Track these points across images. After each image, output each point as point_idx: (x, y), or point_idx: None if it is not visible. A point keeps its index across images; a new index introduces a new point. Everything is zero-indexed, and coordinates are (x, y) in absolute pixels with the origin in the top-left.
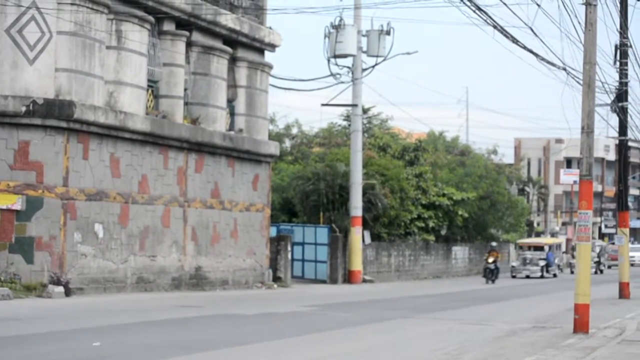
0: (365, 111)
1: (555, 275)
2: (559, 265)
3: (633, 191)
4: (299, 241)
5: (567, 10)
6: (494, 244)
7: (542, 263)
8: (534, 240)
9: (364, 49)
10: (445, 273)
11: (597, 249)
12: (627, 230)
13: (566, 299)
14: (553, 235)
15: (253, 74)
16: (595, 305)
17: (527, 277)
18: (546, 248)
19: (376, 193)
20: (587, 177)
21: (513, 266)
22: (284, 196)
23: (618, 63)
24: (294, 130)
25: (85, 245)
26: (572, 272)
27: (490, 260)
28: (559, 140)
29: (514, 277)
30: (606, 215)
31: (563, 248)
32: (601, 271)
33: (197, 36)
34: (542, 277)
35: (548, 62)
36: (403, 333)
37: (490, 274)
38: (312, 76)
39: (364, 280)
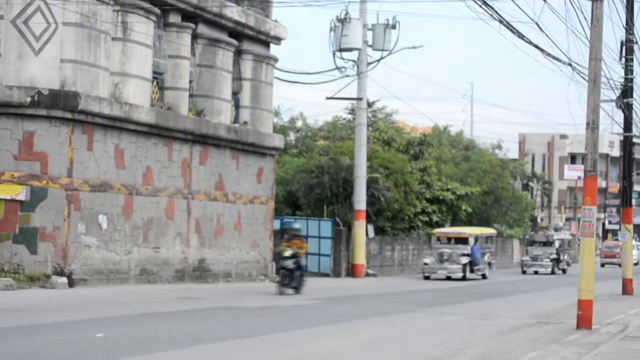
0: (370, 105)
1: (484, 277)
2: (568, 263)
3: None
4: (302, 234)
5: (573, 6)
6: (296, 225)
7: (465, 260)
8: (454, 230)
9: (370, 42)
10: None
11: (557, 244)
12: (631, 227)
13: (570, 295)
14: (557, 230)
15: (258, 66)
16: (598, 301)
17: (449, 277)
18: (471, 240)
19: (380, 187)
20: (591, 172)
21: (425, 263)
22: (288, 189)
23: (624, 59)
24: (299, 124)
25: (89, 236)
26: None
27: (288, 253)
28: (563, 136)
29: (426, 277)
30: (610, 211)
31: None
32: (563, 271)
33: (202, 28)
34: (464, 278)
35: (554, 58)
36: (407, 327)
37: (288, 279)
38: (317, 69)
39: (367, 274)
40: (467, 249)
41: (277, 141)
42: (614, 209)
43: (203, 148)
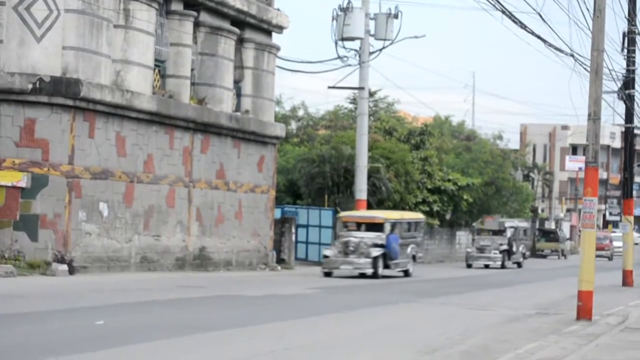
0: (371, 94)
1: (406, 273)
2: (524, 254)
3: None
4: (303, 223)
5: None
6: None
7: (377, 252)
8: (364, 213)
9: (372, 32)
10: (449, 258)
11: (509, 233)
12: (631, 218)
13: (570, 286)
14: (557, 222)
15: (260, 55)
16: (598, 292)
17: (362, 274)
18: (387, 227)
19: (381, 177)
20: (592, 164)
21: (325, 256)
22: (289, 178)
23: (626, 50)
24: (300, 113)
25: (90, 223)
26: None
27: None
28: (564, 127)
29: (327, 274)
30: (611, 202)
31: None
32: (518, 264)
33: (204, 16)
34: (374, 275)
35: (556, 49)
36: (406, 317)
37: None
38: (319, 59)
39: None
40: (380, 238)
41: (279, 130)
42: (615, 201)
43: (204, 136)
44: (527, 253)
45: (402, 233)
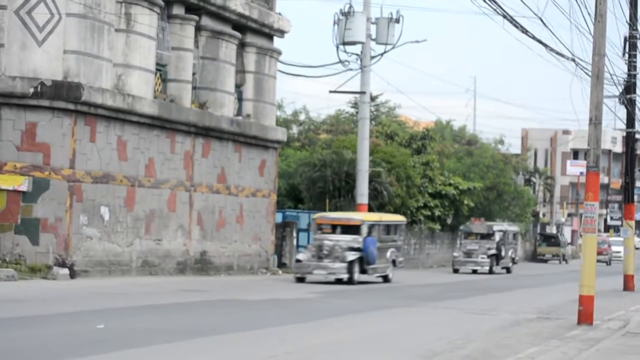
0: (373, 99)
1: (386, 279)
2: (513, 259)
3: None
4: (304, 228)
5: (577, 1)
6: None
7: (352, 256)
8: (340, 215)
9: (373, 36)
10: (451, 262)
11: (497, 236)
12: (632, 223)
13: (571, 291)
14: (558, 227)
15: (262, 59)
16: (599, 297)
17: (339, 280)
18: (364, 229)
19: (382, 181)
20: (593, 168)
21: (298, 260)
22: (290, 182)
23: (627, 55)
24: (302, 117)
25: (91, 227)
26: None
27: None
28: (566, 132)
29: (299, 279)
30: (612, 207)
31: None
32: (507, 270)
33: (206, 21)
34: (350, 280)
35: (557, 53)
36: (407, 321)
37: None
38: (320, 63)
39: None
40: (357, 241)
41: (280, 134)
42: (616, 205)
43: (205, 140)
44: (517, 258)
45: (381, 236)
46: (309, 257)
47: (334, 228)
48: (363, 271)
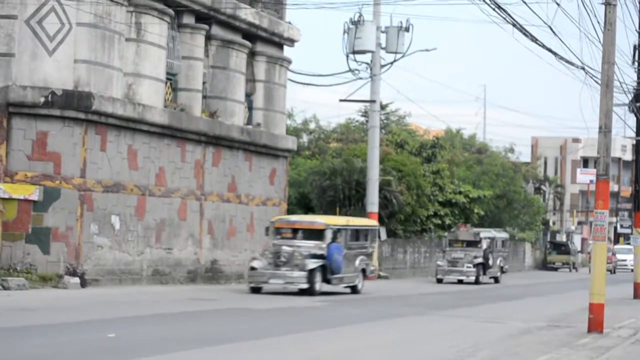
0: (383, 107)
1: (354, 290)
2: (502, 268)
3: None
4: None
5: (586, 10)
6: None
7: (314, 264)
8: (302, 218)
9: (383, 45)
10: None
11: (484, 244)
12: None
13: (581, 299)
14: (568, 235)
15: (272, 68)
16: (609, 305)
17: (302, 290)
18: (328, 235)
19: (392, 190)
20: (603, 176)
21: (253, 268)
22: (300, 191)
23: (636, 63)
24: (312, 126)
25: (102, 236)
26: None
27: None
28: (576, 140)
29: (254, 289)
30: (622, 215)
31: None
32: (495, 279)
33: (216, 30)
34: (310, 291)
35: (567, 62)
36: (417, 330)
37: None
38: (330, 72)
39: (379, 277)
40: (320, 248)
41: (290, 143)
42: (626, 213)
43: (216, 149)
44: (506, 267)
45: (349, 242)
46: (264, 265)
47: (294, 232)
48: (327, 281)
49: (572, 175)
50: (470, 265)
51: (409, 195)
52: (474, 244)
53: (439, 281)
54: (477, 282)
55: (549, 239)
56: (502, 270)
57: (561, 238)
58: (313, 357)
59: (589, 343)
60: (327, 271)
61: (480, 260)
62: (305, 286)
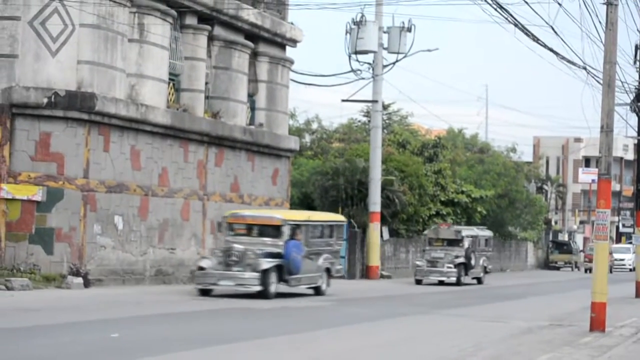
0: (385, 107)
1: (318, 291)
2: (485, 268)
3: None
4: None
5: (588, 10)
6: None
7: (268, 264)
8: (257, 213)
9: (385, 45)
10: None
11: (466, 243)
12: None
13: (583, 298)
14: (570, 234)
15: (274, 68)
16: (611, 304)
17: (261, 292)
18: (285, 231)
19: (395, 189)
20: (605, 176)
21: (201, 268)
22: (303, 191)
23: (638, 63)
24: (314, 126)
25: (105, 237)
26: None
27: None
28: (577, 139)
29: (203, 292)
30: (624, 214)
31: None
32: (478, 280)
33: (219, 30)
34: (264, 294)
35: (568, 61)
36: (419, 329)
37: None
38: (332, 72)
39: (382, 276)
40: (276, 245)
41: (293, 143)
42: (628, 212)
43: (219, 150)
44: (490, 267)
45: (310, 239)
46: (214, 265)
47: (249, 229)
48: (285, 281)
49: (574, 174)
50: (451, 265)
51: (411, 195)
52: (455, 242)
53: (418, 282)
54: (458, 283)
55: (551, 238)
56: (485, 271)
57: (563, 237)
58: (314, 357)
59: (591, 342)
60: (284, 271)
61: (461, 260)
62: (258, 288)
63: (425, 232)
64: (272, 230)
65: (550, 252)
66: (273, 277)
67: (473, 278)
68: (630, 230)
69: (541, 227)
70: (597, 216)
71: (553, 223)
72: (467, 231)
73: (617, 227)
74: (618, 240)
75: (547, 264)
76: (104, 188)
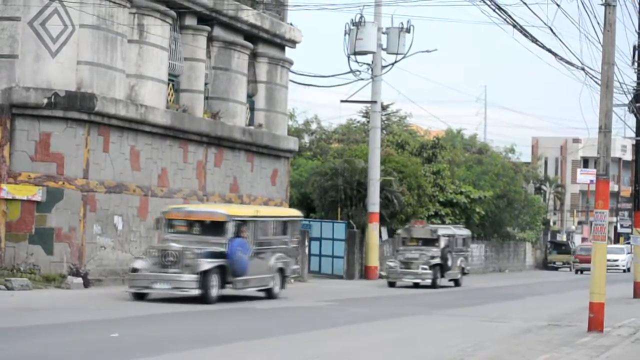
0: (384, 108)
1: (270, 294)
2: (463, 269)
3: None
4: (316, 236)
5: (586, 11)
6: None
7: (209, 265)
8: (198, 208)
9: (384, 46)
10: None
11: (442, 243)
12: None
13: (581, 298)
14: (569, 234)
15: (273, 69)
16: (609, 304)
17: (205, 296)
18: (229, 229)
19: (394, 190)
20: (603, 176)
21: (135, 269)
22: (302, 191)
23: (636, 64)
24: (313, 126)
25: (105, 237)
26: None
27: None
28: (576, 140)
29: (137, 295)
30: (622, 215)
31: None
32: (455, 282)
33: (218, 31)
34: (204, 298)
35: (567, 62)
36: (418, 329)
37: None
38: (332, 73)
39: (381, 276)
40: (219, 244)
41: (292, 144)
42: (626, 213)
43: (218, 150)
44: (468, 268)
45: (260, 237)
46: (149, 266)
47: (190, 225)
48: (230, 283)
49: (573, 175)
50: (426, 266)
51: (410, 195)
52: (430, 242)
53: (391, 285)
54: (434, 285)
55: (549, 238)
56: (463, 272)
57: (561, 238)
58: (311, 357)
59: (589, 342)
60: (228, 273)
61: (437, 260)
62: (197, 292)
63: (399, 231)
64: (215, 227)
65: (549, 252)
66: (214, 279)
67: (450, 280)
68: (628, 230)
69: (539, 227)
70: (595, 217)
71: (551, 223)
72: (443, 230)
73: (615, 228)
74: (616, 241)
75: (545, 265)
76: (104, 188)
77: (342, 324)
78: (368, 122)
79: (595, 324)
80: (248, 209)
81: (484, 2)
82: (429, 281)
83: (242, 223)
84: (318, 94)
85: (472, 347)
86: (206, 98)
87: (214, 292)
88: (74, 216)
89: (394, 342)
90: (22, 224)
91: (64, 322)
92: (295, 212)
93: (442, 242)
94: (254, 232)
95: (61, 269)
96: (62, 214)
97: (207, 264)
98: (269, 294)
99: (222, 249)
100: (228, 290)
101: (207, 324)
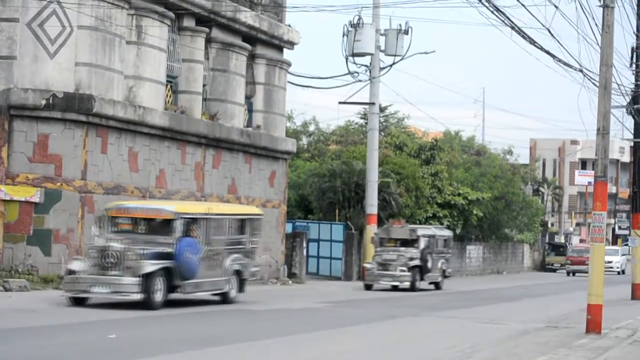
0: (382, 110)
1: (226, 298)
2: (444, 272)
3: None
4: (314, 238)
5: (584, 13)
6: None
7: (153, 267)
8: (142, 204)
9: (382, 47)
10: (459, 272)
11: (422, 243)
12: None
13: (579, 300)
14: (566, 236)
15: (271, 71)
16: (607, 305)
17: (145, 302)
18: (176, 227)
19: (392, 191)
20: (601, 178)
21: (71, 272)
22: (300, 193)
23: (634, 65)
24: (311, 128)
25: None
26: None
27: None
28: (574, 142)
29: (76, 300)
30: (620, 216)
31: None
32: (436, 285)
33: (216, 33)
34: (146, 303)
35: (565, 64)
36: (415, 331)
37: None
38: (330, 74)
39: None
40: (166, 244)
41: (290, 145)
42: (624, 215)
43: (216, 151)
44: (449, 270)
45: (213, 237)
46: (87, 268)
47: (135, 224)
48: (174, 287)
49: (571, 176)
50: (405, 268)
51: (408, 197)
52: (409, 243)
53: (368, 287)
54: (412, 288)
55: (547, 240)
56: (444, 275)
57: (559, 239)
58: (311, 358)
59: (587, 344)
60: (175, 275)
61: (416, 262)
62: (138, 297)
63: (376, 231)
64: (162, 225)
65: (547, 254)
66: (159, 283)
67: (430, 283)
68: (626, 232)
69: (537, 229)
70: (593, 218)
71: (549, 225)
72: (423, 230)
73: (613, 230)
74: (614, 243)
75: (543, 266)
76: (102, 189)
77: (339, 326)
78: (366, 123)
79: (593, 325)
80: (199, 206)
81: (482, 3)
82: (407, 284)
83: (192, 221)
84: (316, 95)
85: (469, 348)
86: (204, 99)
87: (158, 296)
88: (72, 217)
89: (391, 344)
90: (20, 225)
91: (64, 323)
92: (255, 210)
93: (422, 243)
94: (206, 231)
95: (59, 270)
96: (60, 215)
97: (150, 266)
98: (225, 299)
99: (169, 250)
100: (178, 295)
101: (215, 325)
